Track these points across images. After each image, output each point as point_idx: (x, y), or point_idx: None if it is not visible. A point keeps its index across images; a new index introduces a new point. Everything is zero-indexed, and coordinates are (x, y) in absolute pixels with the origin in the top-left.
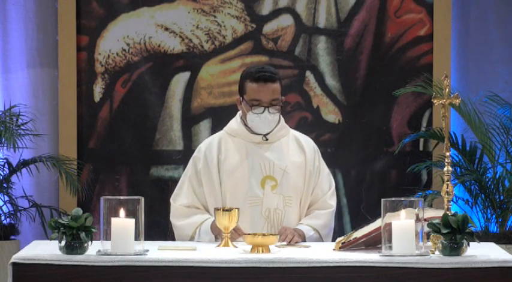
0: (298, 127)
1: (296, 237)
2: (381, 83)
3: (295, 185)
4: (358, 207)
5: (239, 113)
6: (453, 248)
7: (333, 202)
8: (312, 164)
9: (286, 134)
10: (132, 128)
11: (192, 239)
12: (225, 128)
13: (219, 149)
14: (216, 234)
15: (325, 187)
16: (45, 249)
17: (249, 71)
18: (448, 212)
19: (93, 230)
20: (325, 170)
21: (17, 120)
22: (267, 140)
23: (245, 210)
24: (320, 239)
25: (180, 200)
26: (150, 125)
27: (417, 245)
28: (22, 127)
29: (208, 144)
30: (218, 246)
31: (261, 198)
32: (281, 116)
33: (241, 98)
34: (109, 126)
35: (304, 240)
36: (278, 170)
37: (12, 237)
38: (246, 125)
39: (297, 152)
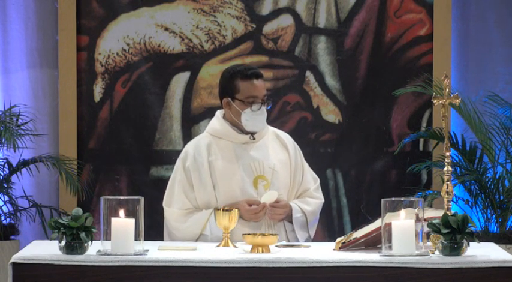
0: (298, 127)
1: (276, 215)
2: (381, 83)
3: (284, 182)
4: (358, 207)
5: (220, 112)
6: (453, 248)
7: (320, 195)
8: (294, 160)
9: (267, 131)
10: (132, 128)
11: (200, 237)
12: (208, 130)
13: (208, 151)
14: None
15: (311, 182)
16: (45, 249)
17: (237, 70)
18: (448, 212)
19: (93, 230)
20: (306, 164)
21: (17, 120)
22: (254, 139)
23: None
24: (305, 224)
25: (174, 204)
26: (150, 125)
27: (417, 245)
28: (22, 127)
29: (195, 147)
30: (218, 246)
31: (255, 198)
32: None
33: (230, 99)
34: (109, 126)
35: (290, 215)
36: (268, 169)
37: (12, 237)
38: (232, 125)
39: (280, 150)
